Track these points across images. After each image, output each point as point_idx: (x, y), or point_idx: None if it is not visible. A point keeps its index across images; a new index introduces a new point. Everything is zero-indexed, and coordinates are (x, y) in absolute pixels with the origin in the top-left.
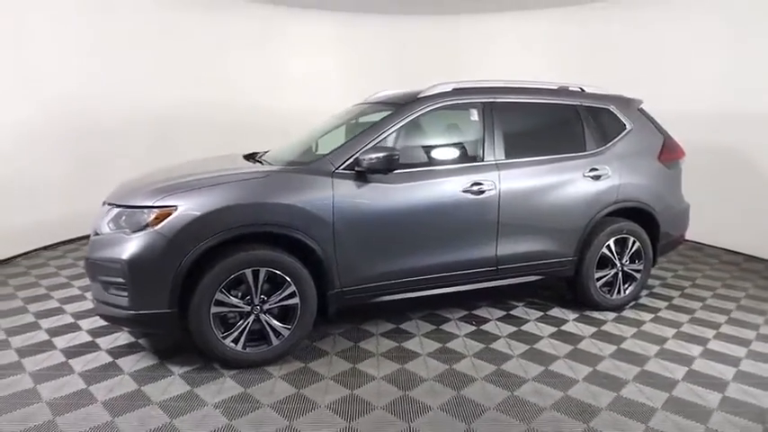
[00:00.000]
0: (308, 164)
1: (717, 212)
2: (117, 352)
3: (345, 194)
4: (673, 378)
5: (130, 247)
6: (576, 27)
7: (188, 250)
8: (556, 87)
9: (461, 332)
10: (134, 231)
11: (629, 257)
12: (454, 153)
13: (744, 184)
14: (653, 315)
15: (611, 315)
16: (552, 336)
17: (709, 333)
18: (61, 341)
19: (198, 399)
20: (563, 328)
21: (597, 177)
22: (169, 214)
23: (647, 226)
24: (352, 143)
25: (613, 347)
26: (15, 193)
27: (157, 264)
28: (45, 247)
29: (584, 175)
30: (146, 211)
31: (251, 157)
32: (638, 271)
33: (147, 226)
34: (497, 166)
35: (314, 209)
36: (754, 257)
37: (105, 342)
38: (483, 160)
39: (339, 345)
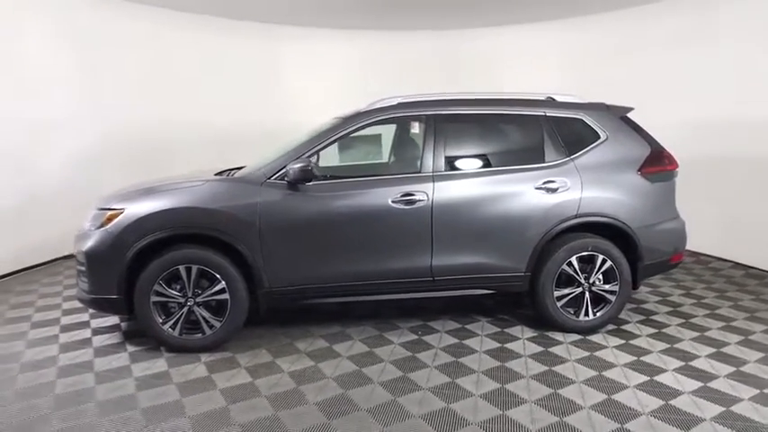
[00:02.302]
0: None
1: None
2: (98, 330)
3: (271, 202)
4: (580, 405)
5: (90, 241)
6: (593, 36)
7: (130, 246)
8: (516, 98)
9: (399, 340)
10: (96, 229)
11: (604, 277)
12: (393, 164)
13: None
14: (622, 342)
15: (574, 337)
16: (488, 351)
17: (674, 365)
18: (66, 319)
19: (127, 371)
20: (507, 345)
21: (553, 190)
22: (118, 215)
23: (624, 244)
24: (287, 155)
25: (544, 368)
26: (76, 206)
27: (106, 256)
28: None
29: (537, 188)
30: (105, 212)
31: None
32: (612, 292)
33: (102, 225)
34: (433, 178)
35: (240, 214)
36: None
37: (96, 323)
38: (420, 172)
39: (276, 341)
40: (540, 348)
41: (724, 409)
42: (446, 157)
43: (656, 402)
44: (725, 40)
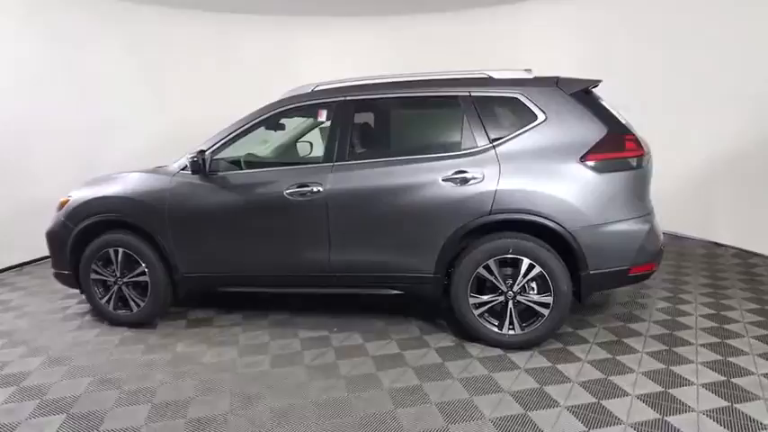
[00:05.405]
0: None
1: None
2: (84, 301)
3: (178, 192)
4: (401, 426)
5: (50, 223)
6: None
7: (72, 229)
8: (440, 78)
9: (305, 335)
10: (57, 212)
11: (539, 287)
12: (296, 155)
13: None
14: (547, 365)
15: (492, 353)
16: (378, 356)
17: (573, 401)
18: (74, 290)
19: (67, 337)
20: (406, 352)
21: (464, 182)
22: (67, 202)
23: (563, 248)
24: (201, 146)
25: (414, 383)
26: None
27: (57, 237)
28: None
29: (445, 180)
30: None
31: None
32: (544, 305)
33: (59, 209)
34: (332, 168)
35: (151, 202)
36: None
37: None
38: (322, 162)
39: (201, 324)
40: (438, 361)
41: None
42: (350, 147)
43: None
44: None
